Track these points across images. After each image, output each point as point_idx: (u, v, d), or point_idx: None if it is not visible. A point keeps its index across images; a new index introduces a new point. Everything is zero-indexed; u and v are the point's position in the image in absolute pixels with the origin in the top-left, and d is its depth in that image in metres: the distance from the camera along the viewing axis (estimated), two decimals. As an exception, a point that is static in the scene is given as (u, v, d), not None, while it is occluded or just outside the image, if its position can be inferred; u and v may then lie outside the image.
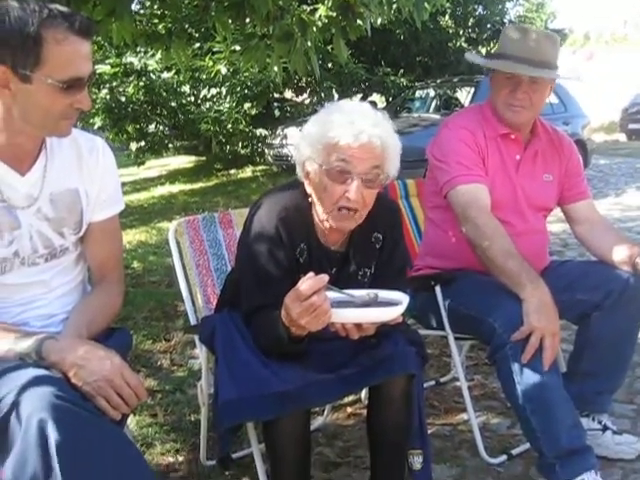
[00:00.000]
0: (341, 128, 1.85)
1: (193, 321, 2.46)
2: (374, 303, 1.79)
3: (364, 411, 2.87)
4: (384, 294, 1.84)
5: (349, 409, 3.09)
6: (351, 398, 3.11)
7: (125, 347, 1.91)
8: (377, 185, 1.93)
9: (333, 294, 1.77)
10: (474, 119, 2.62)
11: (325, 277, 1.65)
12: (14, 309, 1.80)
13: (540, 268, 2.58)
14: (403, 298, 1.78)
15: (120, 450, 1.45)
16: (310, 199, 1.99)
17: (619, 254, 2.50)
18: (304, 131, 1.98)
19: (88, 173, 1.87)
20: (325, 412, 2.99)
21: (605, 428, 2.57)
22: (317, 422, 2.93)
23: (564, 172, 2.71)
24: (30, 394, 1.40)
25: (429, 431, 2.34)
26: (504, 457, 2.59)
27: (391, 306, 1.77)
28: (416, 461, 2.08)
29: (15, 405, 1.39)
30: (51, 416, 1.36)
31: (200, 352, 2.34)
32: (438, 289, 2.53)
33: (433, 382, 3.35)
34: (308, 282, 1.65)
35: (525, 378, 2.18)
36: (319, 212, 1.96)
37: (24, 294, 1.81)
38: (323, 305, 1.65)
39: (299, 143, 1.98)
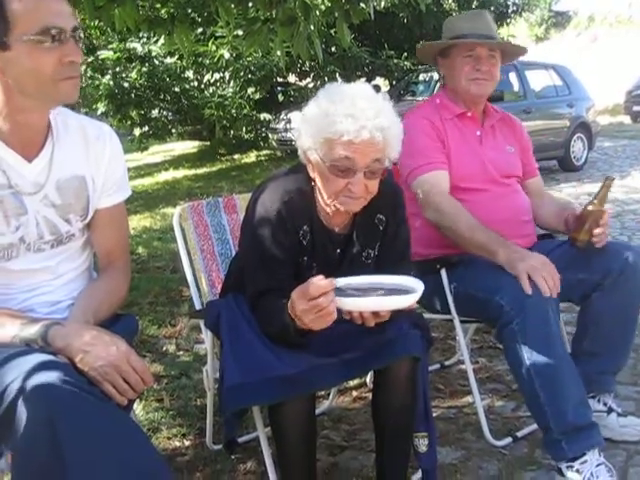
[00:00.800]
0: (342, 124, 1.82)
1: (198, 306, 2.47)
2: (391, 290, 1.80)
3: (369, 395, 2.88)
4: (398, 280, 1.85)
5: (354, 393, 3.11)
6: (356, 382, 3.13)
7: (131, 333, 1.91)
8: (379, 175, 1.92)
9: (351, 280, 1.79)
10: (429, 107, 2.78)
11: (334, 281, 1.66)
12: (19, 295, 1.80)
13: (528, 219, 2.72)
14: (418, 285, 1.79)
15: (127, 435, 1.44)
16: (313, 183, 1.99)
17: (557, 219, 2.70)
18: (305, 117, 1.96)
19: (95, 160, 1.86)
20: (330, 396, 3.00)
21: (610, 410, 2.58)
22: (323, 406, 2.94)
23: (520, 148, 2.86)
24: (37, 380, 1.40)
25: (434, 414, 2.35)
26: (509, 439, 2.59)
27: (408, 293, 1.78)
28: (421, 444, 2.09)
29: (22, 391, 1.39)
30: (59, 401, 1.36)
31: (205, 337, 2.35)
32: (444, 272, 2.53)
33: (438, 365, 3.36)
34: (317, 284, 1.65)
35: (534, 354, 2.20)
36: (323, 196, 1.96)
37: (30, 280, 1.81)
38: (328, 307, 1.66)
39: (300, 130, 1.97)
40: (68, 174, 1.80)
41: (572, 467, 2.18)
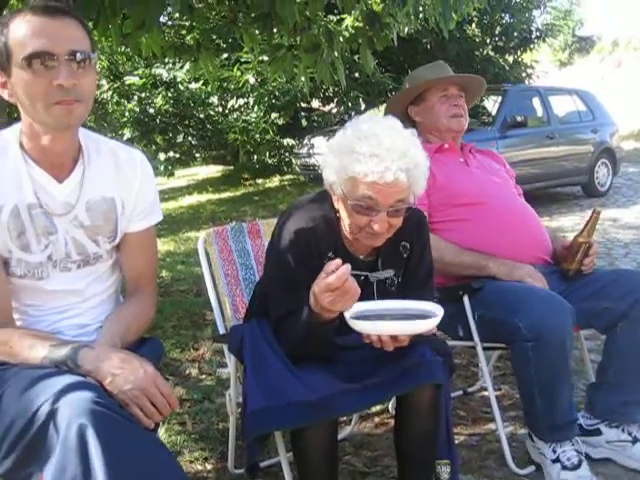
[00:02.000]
0: (367, 164, 1.82)
1: (222, 330, 2.48)
2: (410, 315, 1.81)
3: (391, 421, 2.87)
4: (415, 304, 1.87)
5: (376, 419, 3.09)
6: (379, 408, 3.11)
7: (157, 356, 1.92)
8: (402, 213, 1.93)
9: (372, 305, 1.82)
10: None
11: (347, 267, 1.67)
12: (49, 317, 1.83)
13: (533, 222, 2.80)
14: (438, 310, 1.80)
15: (157, 456, 1.47)
16: (337, 214, 2.00)
17: None
18: (331, 149, 1.96)
19: (125, 184, 1.88)
20: (352, 421, 2.99)
21: (635, 440, 2.55)
22: (345, 432, 2.93)
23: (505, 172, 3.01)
24: (69, 400, 1.42)
25: (456, 441, 2.34)
26: (532, 468, 2.56)
27: (426, 318, 1.79)
28: (444, 471, 2.08)
29: (53, 413, 1.41)
30: (90, 421, 1.38)
31: (229, 361, 2.36)
32: (466, 299, 2.54)
33: (460, 392, 3.34)
34: (336, 274, 1.66)
35: (542, 375, 2.33)
36: (346, 228, 1.98)
37: (59, 302, 1.84)
38: (352, 289, 1.70)
39: (325, 162, 1.97)
40: (98, 196, 1.83)
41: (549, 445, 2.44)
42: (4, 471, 1.54)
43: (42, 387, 1.49)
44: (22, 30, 1.61)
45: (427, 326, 1.78)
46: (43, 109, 1.63)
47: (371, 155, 1.83)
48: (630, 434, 2.56)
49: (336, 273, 1.66)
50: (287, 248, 1.98)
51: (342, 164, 1.89)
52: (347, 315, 1.78)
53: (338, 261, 1.69)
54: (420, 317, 1.81)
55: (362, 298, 1.81)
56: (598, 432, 2.58)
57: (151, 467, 1.42)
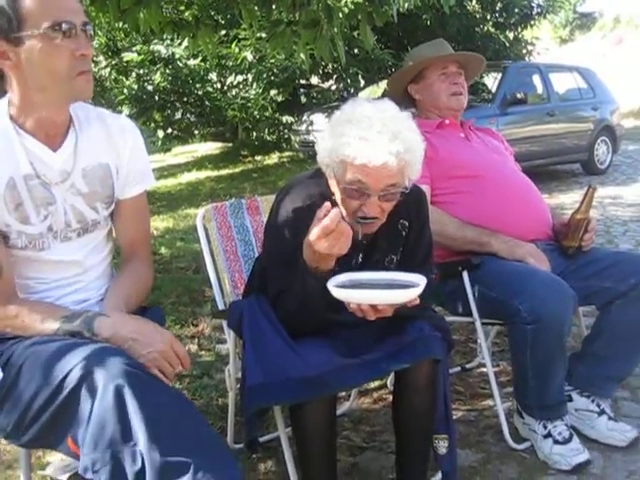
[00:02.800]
0: (356, 147, 1.82)
1: (221, 306, 2.49)
2: (391, 285, 1.81)
3: (390, 396, 2.89)
4: (402, 276, 1.87)
5: (375, 394, 3.11)
6: (377, 383, 3.14)
7: (160, 323, 1.94)
8: (395, 197, 1.92)
9: (355, 275, 1.83)
10: None
11: (336, 210, 1.68)
12: (53, 292, 1.85)
13: (537, 198, 2.80)
14: (420, 280, 1.80)
15: (187, 410, 1.54)
16: (334, 197, 1.98)
17: None
18: (324, 132, 1.97)
19: (117, 150, 1.90)
20: (351, 397, 3.02)
21: (602, 412, 2.60)
22: (343, 407, 2.95)
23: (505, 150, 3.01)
24: (101, 364, 1.46)
25: (454, 416, 2.36)
26: (529, 443, 2.58)
27: (407, 288, 1.79)
28: (441, 446, 2.10)
29: (85, 377, 1.46)
30: (127, 382, 1.43)
31: (228, 337, 2.37)
32: (465, 275, 2.54)
33: (459, 368, 3.36)
34: (329, 216, 1.67)
35: (538, 356, 2.35)
36: (343, 212, 1.94)
37: (61, 274, 1.85)
38: (346, 230, 1.71)
39: (319, 145, 1.98)
40: (93, 162, 1.85)
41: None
42: (28, 439, 1.60)
43: (65, 357, 1.52)
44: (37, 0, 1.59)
45: (405, 296, 1.77)
46: (66, 80, 1.64)
47: (360, 138, 1.82)
48: (599, 406, 2.61)
49: (329, 215, 1.67)
50: (284, 225, 1.99)
51: (333, 147, 1.88)
52: (330, 284, 1.78)
53: (327, 204, 1.70)
54: (402, 287, 1.81)
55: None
56: (569, 399, 2.61)
57: (184, 421, 1.48)
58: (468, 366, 3.39)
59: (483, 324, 2.61)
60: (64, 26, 1.60)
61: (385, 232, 2.06)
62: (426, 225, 2.16)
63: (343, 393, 2.96)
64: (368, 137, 1.81)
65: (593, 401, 2.61)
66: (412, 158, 1.89)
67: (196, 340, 3.90)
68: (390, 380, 3.02)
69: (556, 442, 2.42)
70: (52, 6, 1.60)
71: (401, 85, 2.98)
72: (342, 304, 1.83)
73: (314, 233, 1.71)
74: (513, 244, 2.57)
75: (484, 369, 3.00)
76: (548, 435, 2.45)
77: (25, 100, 1.70)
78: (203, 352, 3.74)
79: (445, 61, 2.87)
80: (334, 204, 1.96)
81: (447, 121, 2.89)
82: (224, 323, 2.37)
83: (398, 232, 2.10)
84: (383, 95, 8.87)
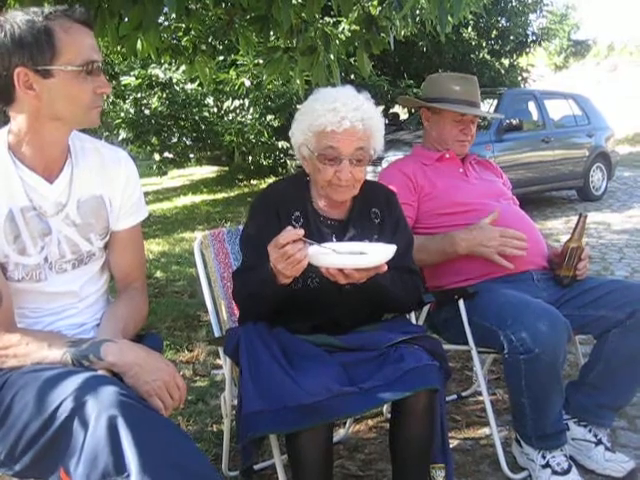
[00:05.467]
0: (325, 116, 2.08)
1: (217, 333, 2.48)
2: (362, 253, 1.95)
3: (386, 424, 2.88)
4: (375, 246, 2.03)
5: (370, 422, 3.09)
6: (373, 411, 3.11)
7: (158, 351, 1.94)
8: (364, 162, 2.15)
9: (333, 245, 1.97)
10: (408, 159, 3.04)
11: (300, 231, 1.87)
12: (46, 319, 1.85)
13: (531, 229, 2.79)
14: (385, 248, 1.97)
15: (182, 443, 1.51)
16: (308, 178, 2.25)
17: None
18: (296, 119, 2.22)
19: (111, 182, 1.91)
20: (347, 425, 3.00)
21: (599, 442, 2.59)
22: (339, 435, 2.94)
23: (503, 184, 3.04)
24: (94, 395, 1.45)
25: (450, 445, 2.34)
26: (526, 473, 2.57)
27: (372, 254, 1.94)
28: (438, 475, 2.09)
29: (78, 407, 1.44)
30: (120, 413, 1.41)
31: (224, 364, 2.36)
32: (461, 303, 2.54)
33: (455, 396, 3.34)
34: (285, 234, 1.86)
35: (532, 386, 2.35)
36: (318, 187, 2.21)
37: (56, 303, 1.86)
38: (296, 254, 1.85)
39: (293, 130, 2.22)
40: (87, 194, 1.86)
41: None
42: (20, 469, 1.58)
43: (58, 387, 1.51)
44: (75, 38, 1.65)
45: (369, 261, 1.92)
46: (84, 112, 1.72)
47: (329, 109, 2.08)
48: (596, 436, 2.60)
49: (285, 234, 1.86)
50: (257, 209, 2.22)
51: (305, 123, 2.15)
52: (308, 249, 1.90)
53: (290, 231, 1.87)
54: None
55: None
56: (566, 428, 2.59)
57: (180, 453, 1.46)
58: (464, 394, 3.37)
59: (479, 353, 2.60)
60: (92, 65, 1.67)
61: (357, 215, 2.24)
62: (401, 222, 2.33)
63: (338, 421, 2.94)
64: (335, 107, 2.08)
65: (590, 431, 2.60)
66: (374, 125, 2.16)
67: (191, 365, 3.88)
68: (386, 408, 3.00)
69: (555, 473, 2.40)
70: (83, 44, 1.67)
71: (415, 105, 3.06)
72: (340, 327, 2.07)
73: (273, 255, 1.89)
74: (476, 242, 2.60)
75: (480, 397, 2.99)
76: (547, 465, 2.43)
77: (32, 128, 1.71)
78: (198, 377, 3.72)
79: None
80: (308, 187, 2.25)
81: (447, 155, 2.91)
82: (220, 349, 2.36)
83: (370, 219, 2.27)
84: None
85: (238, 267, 2.24)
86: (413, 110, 14.00)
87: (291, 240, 1.85)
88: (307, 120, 2.14)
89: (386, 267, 1.95)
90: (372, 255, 1.94)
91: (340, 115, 2.06)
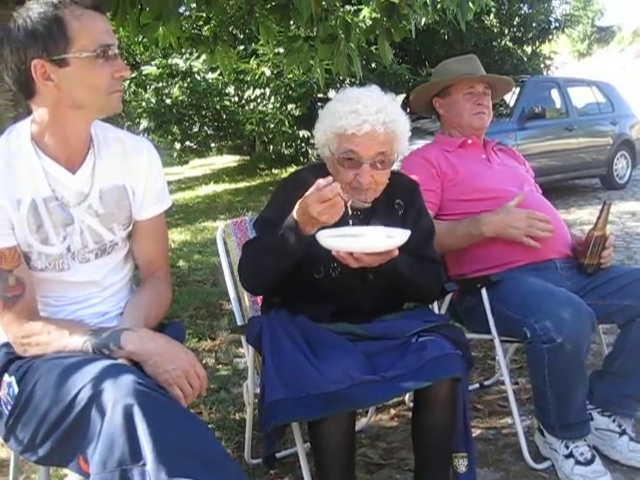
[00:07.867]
0: (346, 118, 2.07)
1: (240, 321, 2.49)
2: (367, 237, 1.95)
3: (408, 413, 2.88)
4: (390, 231, 1.99)
5: (393, 411, 3.10)
6: (395, 400, 3.11)
7: (180, 339, 1.94)
8: (386, 167, 2.12)
9: (347, 230, 1.95)
10: (430, 146, 2.99)
11: (337, 184, 1.82)
12: (69, 307, 1.86)
13: (555, 216, 2.75)
14: (398, 233, 1.94)
15: (200, 432, 1.52)
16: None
17: None
18: (319, 119, 2.21)
19: (133, 172, 1.91)
20: (369, 413, 3.00)
21: (623, 433, 2.57)
22: (361, 423, 2.94)
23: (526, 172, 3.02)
24: (112, 382, 1.46)
25: (473, 434, 2.34)
26: (549, 462, 2.56)
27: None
28: (461, 464, 2.09)
29: (95, 396, 1.46)
30: (136, 401, 1.42)
31: (246, 352, 2.37)
32: (484, 291, 2.53)
33: (477, 385, 3.33)
34: (329, 187, 1.81)
35: (555, 374, 2.33)
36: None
37: (79, 292, 1.87)
38: (340, 203, 1.83)
39: (316, 130, 2.21)
40: (110, 184, 1.86)
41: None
42: (42, 455, 1.61)
43: (78, 374, 1.53)
44: (87, 24, 1.65)
45: (379, 245, 1.91)
46: (103, 98, 1.71)
47: (350, 112, 2.07)
48: (620, 426, 2.58)
49: (330, 186, 1.81)
50: (279, 193, 2.22)
51: (327, 125, 2.14)
52: (320, 234, 1.90)
53: (330, 177, 1.84)
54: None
55: None
56: (590, 418, 2.57)
57: (196, 442, 1.46)
58: (487, 383, 3.36)
59: (502, 342, 2.59)
60: (107, 49, 1.67)
61: (381, 205, 2.21)
62: (423, 212, 2.31)
63: (361, 409, 2.94)
64: (357, 109, 2.06)
65: (614, 421, 2.58)
66: (398, 129, 2.13)
67: (213, 354, 3.91)
68: (408, 396, 3.00)
69: (578, 463, 2.39)
70: (96, 29, 1.67)
71: (426, 97, 3.00)
72: (361, 313, 2.08)
73: (313, 196, 1.82)
74: (503, 225, 2.58)
75: (503, 386, 2.99)
76: (570, 455, 2.42)
77: (54, 119, 1.72)
78: (220, 366, 3.75)
79: (472, 80, 2.88)
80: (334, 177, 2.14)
81: (470, 141, 2.90)
82: (242, 338, 2.37)
83: (394, 210, 2.25)
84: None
85: (252, 238, 2.25)
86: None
87: (337, 192, 1.82)
88: (328, 121, 2.14)
89: (397, 252, 1.94)
90: (375, 239, 1.94)
91: (361, 118, 2.05)
